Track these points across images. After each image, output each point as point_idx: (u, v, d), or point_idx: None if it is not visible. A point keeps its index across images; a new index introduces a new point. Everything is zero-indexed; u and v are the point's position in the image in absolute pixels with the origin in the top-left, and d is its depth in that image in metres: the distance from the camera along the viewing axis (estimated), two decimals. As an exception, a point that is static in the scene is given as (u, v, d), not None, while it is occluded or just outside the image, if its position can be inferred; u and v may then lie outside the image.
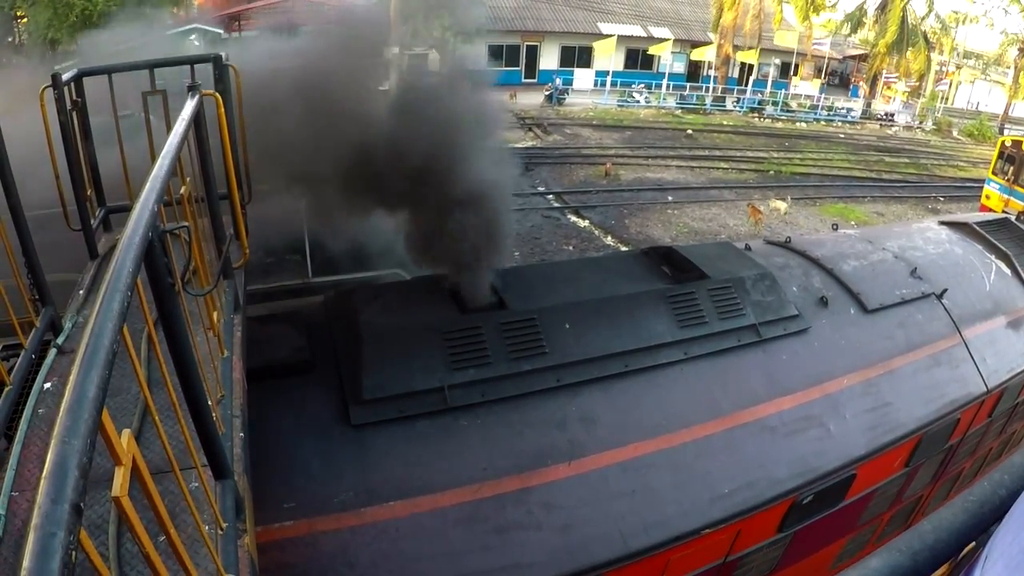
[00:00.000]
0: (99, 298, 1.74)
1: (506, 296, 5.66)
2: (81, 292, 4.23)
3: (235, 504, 2.80)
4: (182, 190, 3.37)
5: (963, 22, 51.51)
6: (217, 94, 4.23)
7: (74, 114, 4.48)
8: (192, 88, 3.69)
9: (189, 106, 3.49)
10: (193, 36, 26.09)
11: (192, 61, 4.56)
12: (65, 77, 4.28)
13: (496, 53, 43.08)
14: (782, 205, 25.15)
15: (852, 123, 45.55)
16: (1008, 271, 8.56)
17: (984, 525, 1.59)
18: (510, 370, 5.20)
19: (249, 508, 3.08)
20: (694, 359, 5.82)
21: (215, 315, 3.52)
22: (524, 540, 4.67)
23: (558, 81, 41.73)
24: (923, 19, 47.38)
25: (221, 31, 28.47)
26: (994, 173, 25.42)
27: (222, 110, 4.18)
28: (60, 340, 3.66)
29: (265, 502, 4.01)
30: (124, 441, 1.61)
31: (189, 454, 2.50)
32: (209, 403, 2.68)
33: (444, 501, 4.60)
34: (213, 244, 4.20)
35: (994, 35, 52.69)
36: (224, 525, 2.66)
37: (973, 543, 1.61)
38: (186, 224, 2.98)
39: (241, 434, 3.32)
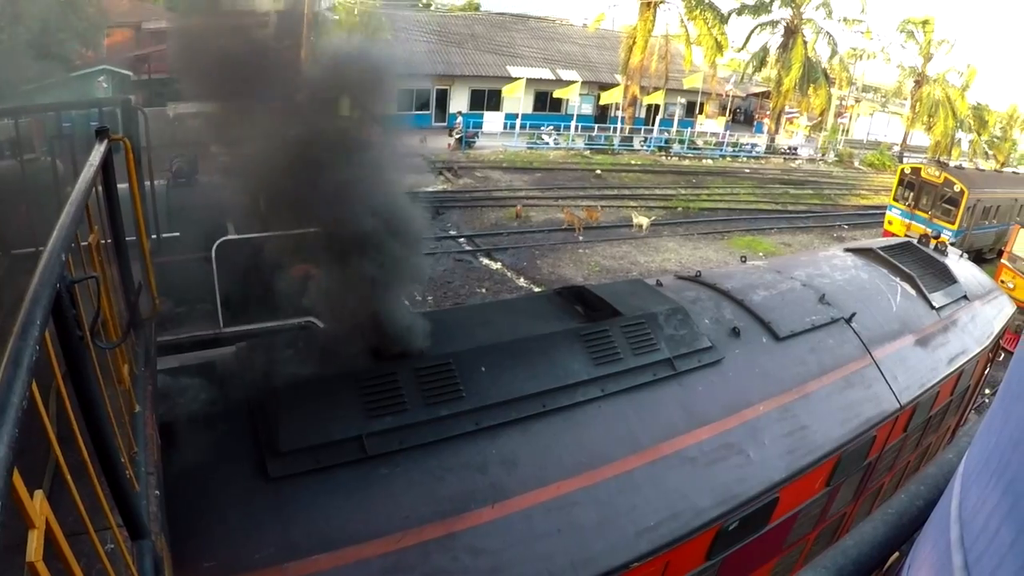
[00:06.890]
0: (6, 353, 1.67)
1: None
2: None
3: (154, 565, 2.68)
4: (90, 238, 3.26)
5: (861, 58, 54.52)
6: (126, 138, 4.12)
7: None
8: (100, 132, 3.59)
9: (97, 151, 3.39)
10: (102, 78, 25.43)
11: (101, 104, 4.45)
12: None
13: (406, 97, 43.22)
14: (644, 220, 26.65)
15: (757, 158, 47.46)
16: (913, 292, 8.99)
17: (905, 535, 1.64)
18: (428, 416, 5.15)
19: (168, 568, 2.97)
20: (611, 395, 5.87)
21: (125, 368, 3.40)
22: None
23: (459, 122, 40.81)
24: (830, 60, 50.07)
25: (130, 73, 27.89)
26: (895, 199, 27.11)
27: (131, 155, 4.07)
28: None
29: (184, 562, 3.85)
30: (37, 503, 1.54)
31: (104, 514, 2.40)
32: (122, 460, 2.58)
33: (368, 552, 4.49)
34: (122, 295, 4.07)
35: (891, 69, 56.13)
36: (142, 588, 2.55)
37: (897, 553, 1.67)
38: (95, 275, 2.88)
39: (157, 491, 3.20)
